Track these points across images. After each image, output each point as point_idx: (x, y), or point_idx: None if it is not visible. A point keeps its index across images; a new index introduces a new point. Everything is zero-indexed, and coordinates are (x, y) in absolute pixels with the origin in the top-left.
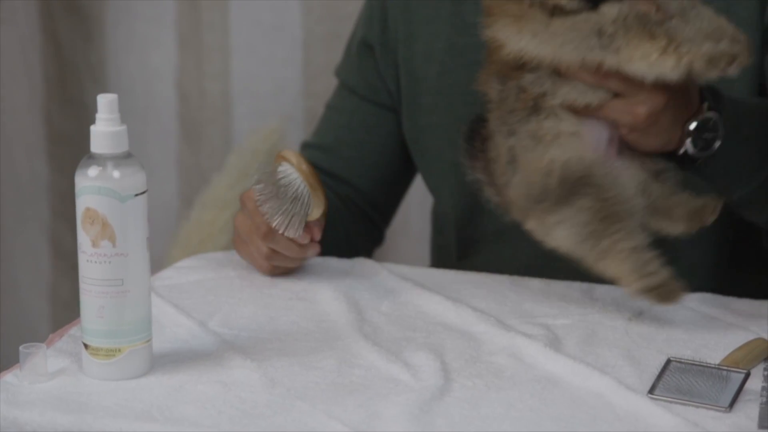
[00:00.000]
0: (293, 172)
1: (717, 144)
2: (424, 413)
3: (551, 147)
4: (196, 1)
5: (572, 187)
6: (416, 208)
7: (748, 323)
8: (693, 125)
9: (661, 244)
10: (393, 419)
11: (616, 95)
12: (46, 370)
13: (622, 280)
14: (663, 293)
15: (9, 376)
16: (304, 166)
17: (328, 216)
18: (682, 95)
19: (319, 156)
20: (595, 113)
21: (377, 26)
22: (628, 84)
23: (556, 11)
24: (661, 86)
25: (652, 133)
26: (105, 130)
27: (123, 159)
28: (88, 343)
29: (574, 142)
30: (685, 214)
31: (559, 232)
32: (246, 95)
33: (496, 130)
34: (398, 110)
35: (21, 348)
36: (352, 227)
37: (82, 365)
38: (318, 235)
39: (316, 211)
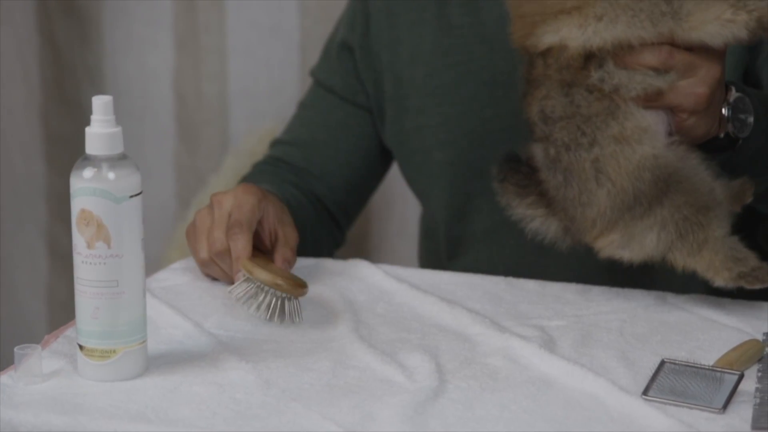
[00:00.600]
0: (263, 287)
1: (750, 122)
2: (419, 414)
3: (639, 146)
4: (193, 2)
5: (665, 184)
6: (413, 209)
7: (742, 324)
8: (732, 101)
9: None
10: (387, 420)
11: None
12: (41, 371)
13: (717, 270)
14: (758, 276)
15: (4, 377)
16: (279, 280)
17: (294, 214)
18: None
19: (292, 152)
20: (660, 101)
21: (359, 30)
22: (691, 61)
23: None
24: (716, 59)
25: (707, 116)
26: (100, 131)
27: (118, 160)
28: (83, 344)
29: (652, 138)
30: (727, 198)
31: (648, 238)
32: (243, 97)
33: (572, 147)
34: (373, 113)
35: (16, 349)
36: (317, 227)
37: (77, 366)
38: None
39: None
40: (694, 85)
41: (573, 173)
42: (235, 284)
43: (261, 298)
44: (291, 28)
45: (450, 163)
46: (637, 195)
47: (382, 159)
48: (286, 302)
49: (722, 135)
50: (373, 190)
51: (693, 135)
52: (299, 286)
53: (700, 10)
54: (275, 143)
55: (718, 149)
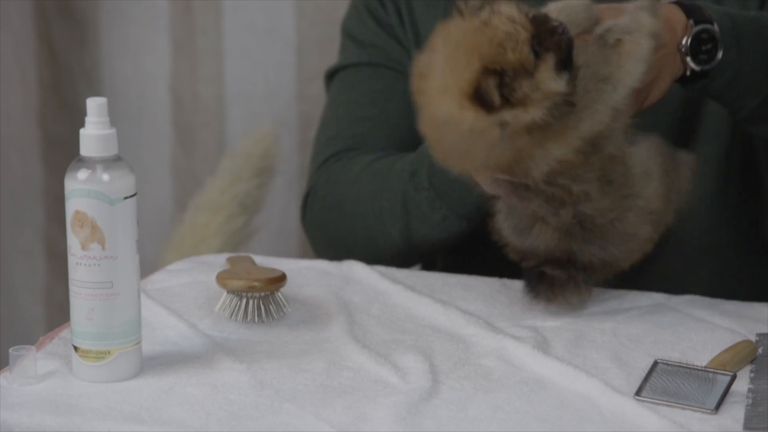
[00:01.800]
0: (241, 294)
1: (719, 54)
2: (412, 415)
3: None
4: (190, 5)
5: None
6: None
7: (735, 325)
8: (686, 41)
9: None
10: (381, 421)
11: None
12: (36, 373)
13: None
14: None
15: None
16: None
17: None
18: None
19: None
20: None
21: (391, 9)
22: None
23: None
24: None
25: (661, 77)
26: (94, 133)
27: (112, 162)
28: (77, 345)
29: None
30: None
31: None
32: (240, 99)
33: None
34: None
35: (11, 350)
36: None
37: (72, 367)
38: None
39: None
40: None
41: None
42: (220, 302)
43: (244, 306)
44: (287, 31)
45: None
46: None
47: None
48: (269, 300)
49: (688, 73)
50: None
51: (658, 92)
52: (275, 281)
53: None
54: (331, 139)
55: (691, 81)
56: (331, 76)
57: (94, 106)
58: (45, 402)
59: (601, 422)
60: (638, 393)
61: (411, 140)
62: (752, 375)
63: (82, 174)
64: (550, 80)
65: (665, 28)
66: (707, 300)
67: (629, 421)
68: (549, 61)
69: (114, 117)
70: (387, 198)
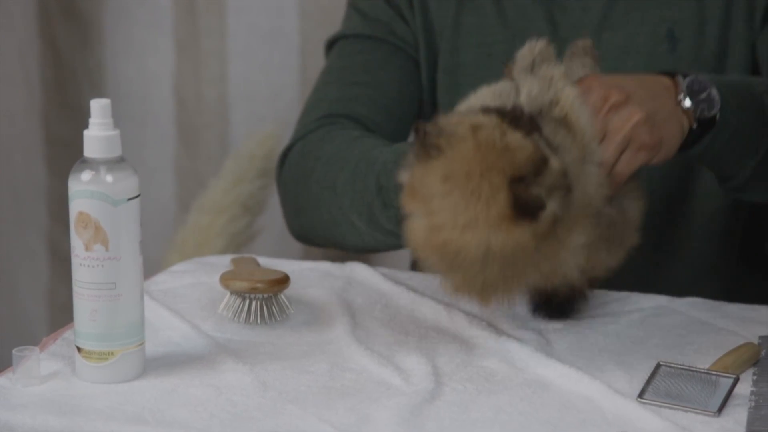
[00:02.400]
0: (244, 296)
1: (714, 94)
2: (415, 417)
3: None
4: (194, 6)
5: None
6: None
7: (738, 328)
8: (684, 89)
9: (669, 243)
10: (384, 423)
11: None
12: (39, 373)
13: None
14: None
15: (2, 379)
16: (256, 284)
17: None
18: (644, 88)
19: (364, 112)
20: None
21: None
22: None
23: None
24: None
25: (668, 141)
26: (98, 134)
27: (116, 163)
28: (80, 346)
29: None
30: None
31: None
32: (243, 100)
33: None
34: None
35: (14, 351)
36: None
37: (75, 368)
38: None
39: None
40: (621, 120)
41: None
42: (223, 303)
43: (247, 307)
44: (291, 32)
45: None
46: None
47: None
48: (272, 301)
49: (695, 126)
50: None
51: (671, 155)
52: (278, 282)
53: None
54: (320, 102)
55: (697, 139)
56: (331, 44)
57: (98, 107)
58: (48, 403)
59: (603, 424)
60: (641, 395)
61: (399, 111)
62: (755, 378)
63: (86, 175)
64: (554, 159)
65: (659, 89)
66: (710, 302)
67: (632, 423)
68: (540, 141)
69: (117, 118)
70: (352, 202)
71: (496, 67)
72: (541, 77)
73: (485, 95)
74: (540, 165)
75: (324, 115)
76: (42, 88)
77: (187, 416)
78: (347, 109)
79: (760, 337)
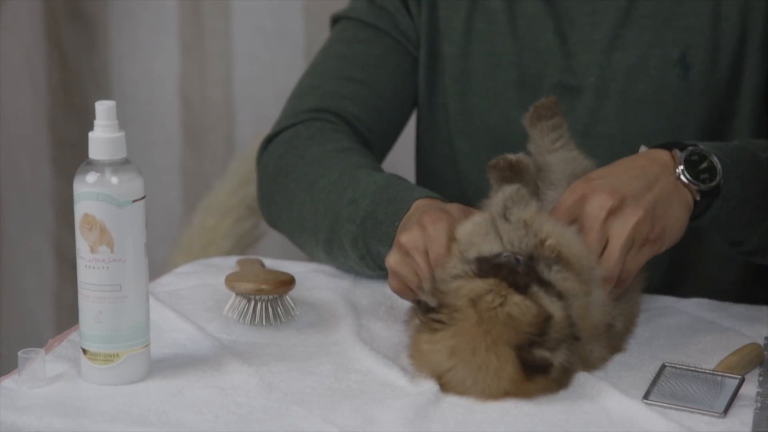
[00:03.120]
0: (249, 297)
1: (718, 166)
2: (420, 418)
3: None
4: (199, 8)
5: None
6: None
7: (744, 328)
8: (680, 169)
9: (684, 258)
10: (389, 424)
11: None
12: (45, 375)
13: None
14: None
15: (8, 381)
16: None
17: None
18: (639, 179)
19: (349, 106)
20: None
21: None
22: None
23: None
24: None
25: (673, 225)
26: (103, 136)
27: (121, 165)
28: (86, 348)
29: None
30: None
31: None
32: (248, 102)
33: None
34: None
35: (20, 353)
36: None
37: (80, 370)
38: None
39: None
40: (622, 224)
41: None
42: (228, 304)
43: (252, 308)
44: (296, 33)
45: (466, 154)
46: None
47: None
48: (278, 303)
49: (698, 198)
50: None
51: (679, 236)
52: (284, 283)
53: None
54: (313, 89)
55: (704, 210)
56: (335, 21)
57: (103, 109)
58: (54, 404)
59: (609, 425)
60: (646, 396)
61: (391, 114)
62: (761, 379)
63: (91, 177)
64: (554, 308)
65: (656, 172)
66: (715, 303)
67: (637, 424)
68: (539, 293)
69: (123, 120)
70: (323, 204)
71: (503, 78)
72: (514, 223)
73: (471, 233)
74: (544, 324)
75: (315, 108)
76: (48, 90)
77: (192, 418)
78: (339, 106)
79: (766, 338)
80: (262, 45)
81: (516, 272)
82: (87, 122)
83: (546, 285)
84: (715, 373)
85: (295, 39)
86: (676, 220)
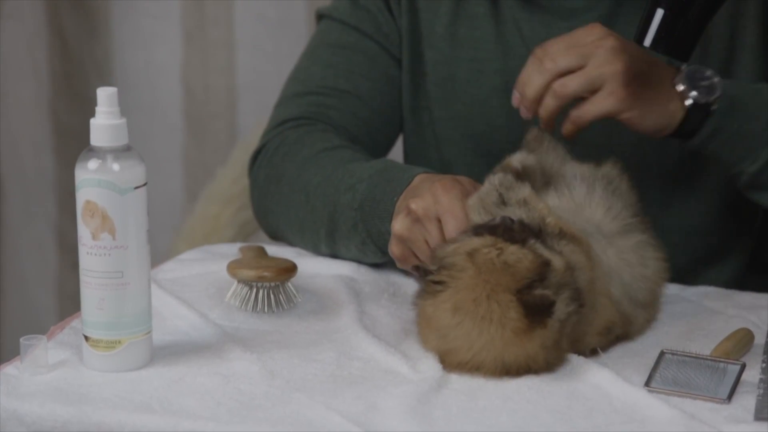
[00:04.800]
0: (252, 284)
1: (717, 82)
2: (422, 405)
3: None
4: None
5: None
6: None
7: (750, 316)
8: (684, 75)
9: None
10: (391, 411)
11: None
12: (47, 362)
13: None
14: None
15: (10, 368)
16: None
17: None
18: (643, 57)
19: (331, 104)
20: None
21: None
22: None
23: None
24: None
25: (646, 106)
26: (104, 123)
27: (122, 152)
28: (88, 335)
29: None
30: None
31: None
32: (251, 90)
33: None
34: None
35: (22, 340)
36: None
37: (82, 357)
38: None
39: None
40: (600, 65)
41: None
42: (230, 291)
43: (254, 295)
44: (298, 21)
45: (452, 160)
46: None
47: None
48: (279, 290)
49: (688, 103)
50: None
51: (652, 125)
52: (286, 270)
53: None
54: (297, 97)
55: (698, 124)
56: (319, 18)
57: (105, 95)
58: (56, 391)
59: (611, 412)
60: (648, 383)
61: (379, 124)
62: (764, 365)
63: (93, 164)
64: (555, 259)
65: (660, 68)
66: (722, 291)
67: (640, 411)
68: (537, 246)
69: (125, 108)
70: (320, 199)
71: (488, 84)
72: (514, 204)
73: (474, 205)
74: (543, 269)
75: (301, 116)
76: (50, 79)
77: (194, 405)
78: (326, 117)
79: None
80: (264, 33)
81: (511, 229)
82: (89, 111)
83: (544, 242)
84: (716, 359)
85: (298, 27)
86: (652, 104)
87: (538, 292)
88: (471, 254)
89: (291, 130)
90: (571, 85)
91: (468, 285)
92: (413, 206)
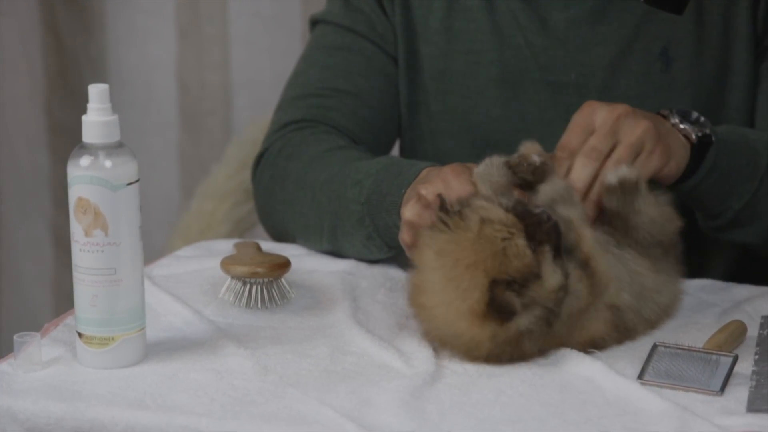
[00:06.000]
0: (245, 281)
1: (704, 119)
2: (415, 399)
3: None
4: None
5: None
6: None
7: (746, 307)
8: (675, 114)
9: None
10: (384, 405)
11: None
12: (41, 359)
13: None
14: None
15: (4, 365)
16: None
17: None
18: (640, 110)
19: (331, 105)
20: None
21: None
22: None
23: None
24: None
25: (675, 153)
26: (96, 119)
27: (115, 148)
28: (81, 331)
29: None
30: None
31: None
32: (246, 86)
33: None
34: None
35: (15, 337)
36: None
37: (76, 354)
38: None
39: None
40: (632, 132)
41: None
42: (223, 287)
43: (247, 291)
44: (293, 17)
45: (450, 153)
46: None
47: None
48: (273, 286)
49: (695, 140)
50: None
51: (679, 171)
52: (279, 266)
53: None
54: (297, 100)
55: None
56: (314, 24)
57: (96, 92)
58: (49, 388)
59: (604, 405)
60: (641, 376)
61: (379, 123)
62: (756, 357)
63: (85, 161)
64: (552, 276)
65: (654, 115)
66: (719, 284)
67: (632, 403)
68: (547, 255)
69: (120, 105)
70: (326, 195)
71: (484, 76)
72: (559, 217)
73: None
74: (528, 278)
75: (302, 119)
76: (44, 75)
77: (188, 401)
78: (327, 117)
79: (763, 317)
80: (259, 29)
81: (540, 225)
82: (84, 107)
83: (560, 255)
84: (709, 351)
85: (293, 23)
86: (679, 147)
87: (508, 294)
88: (483, 221)
89: (294, 133)
90: (622, 163)
91: (462, 244)
92: (423, 192)
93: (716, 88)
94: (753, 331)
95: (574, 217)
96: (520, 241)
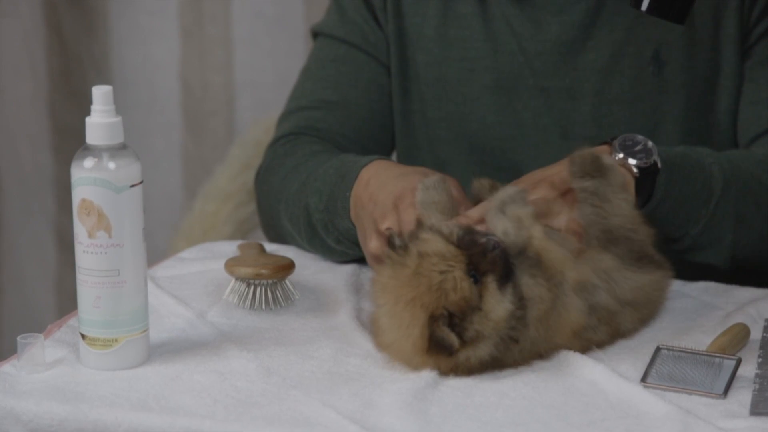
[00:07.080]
0: (249, 282)
1: (651, 145)
2: (418, 401)
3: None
4: None
5: None
6: None
7: (748, 310)
8: (617, 146)
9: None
10: (387, 407)
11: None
12: (44, 360)
13: None
14: None
15: (7, 366)
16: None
17: None
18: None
19: (320, 116)
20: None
21: None
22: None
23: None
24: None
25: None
26: (100, 121)
27: (118, 150)
28: (85, 333)
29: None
30: None
31: None
32: (248, 87)
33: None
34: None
35: (19, 338)
36: None
37: (79, 355)
38: None
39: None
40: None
41: None
42: (228, 289)
43: (251, 293)
44: (296, 18)
45: (447, 160)
46: None
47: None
48: (277, 287)
49: (635, 171)
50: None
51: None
52: (283, 268)
53: None
54: (290, 114)
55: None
56: (315, 35)
57: (100, 94)
58: (52, 390)
59: (607, 408)
60: (644, 379)
61: (370, 131)
62: (760, 360)
63: (88, 162)
64: (498, 306)
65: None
66: (722, 286)
67: (635, 406)
68: (490, 285)
69: (123, 105)
70: (297, 207)
71: (479, 83)
72: (510, 217)
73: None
74: (467, 311)
75: (293, 132)
76: (48, 77)
77: (191, 402)
78: (313, 129)
79: (766, 320)
80: (262, 30)
81: (484, 255)
82: (87, 108)
83: (510, 283)
84: (712, 354)
85: (295, 23)
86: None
87: (444, 330)
88: (421, 255)
89: (281, 147)
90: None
91: (401, 279)
92: (382, 227)
93: (707, 90)
94: (756, 334)
95: (524, 215)
96: (458, 274)
